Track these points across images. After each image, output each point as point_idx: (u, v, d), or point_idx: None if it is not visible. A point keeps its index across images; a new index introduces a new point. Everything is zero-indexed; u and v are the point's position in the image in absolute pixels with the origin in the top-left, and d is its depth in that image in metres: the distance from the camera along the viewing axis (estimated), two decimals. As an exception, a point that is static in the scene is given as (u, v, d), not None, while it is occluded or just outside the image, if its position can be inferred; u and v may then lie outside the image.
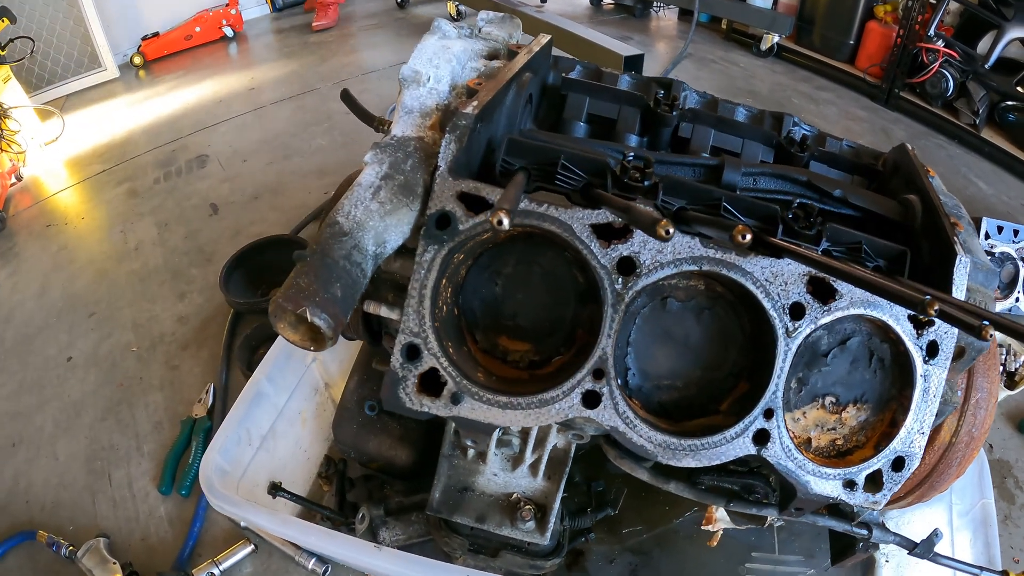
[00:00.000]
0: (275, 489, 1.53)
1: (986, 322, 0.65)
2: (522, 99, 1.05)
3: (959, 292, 0.96)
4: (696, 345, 0.97)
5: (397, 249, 0.97)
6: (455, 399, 0.89)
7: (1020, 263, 2.69)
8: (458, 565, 1.27)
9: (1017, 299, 2.66)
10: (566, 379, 0.87)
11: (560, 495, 1.26)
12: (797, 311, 0.91)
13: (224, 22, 4.76)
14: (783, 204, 1.00)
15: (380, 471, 1.58)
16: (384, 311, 0.96)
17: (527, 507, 1.26)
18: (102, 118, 3.90)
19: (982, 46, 3.69)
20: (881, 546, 1.78)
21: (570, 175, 0.94)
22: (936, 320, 0.93)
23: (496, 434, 1.22)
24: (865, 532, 1.21)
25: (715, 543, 1.42)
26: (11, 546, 1.74)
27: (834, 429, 1.05)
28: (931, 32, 3.72)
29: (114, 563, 1.63)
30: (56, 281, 2.71)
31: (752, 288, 0.87)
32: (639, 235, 0.84)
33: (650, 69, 4.24)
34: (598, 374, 0.86)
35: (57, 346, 2.41)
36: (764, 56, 4.41)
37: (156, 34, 4.52)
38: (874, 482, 1.03)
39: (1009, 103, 3.61)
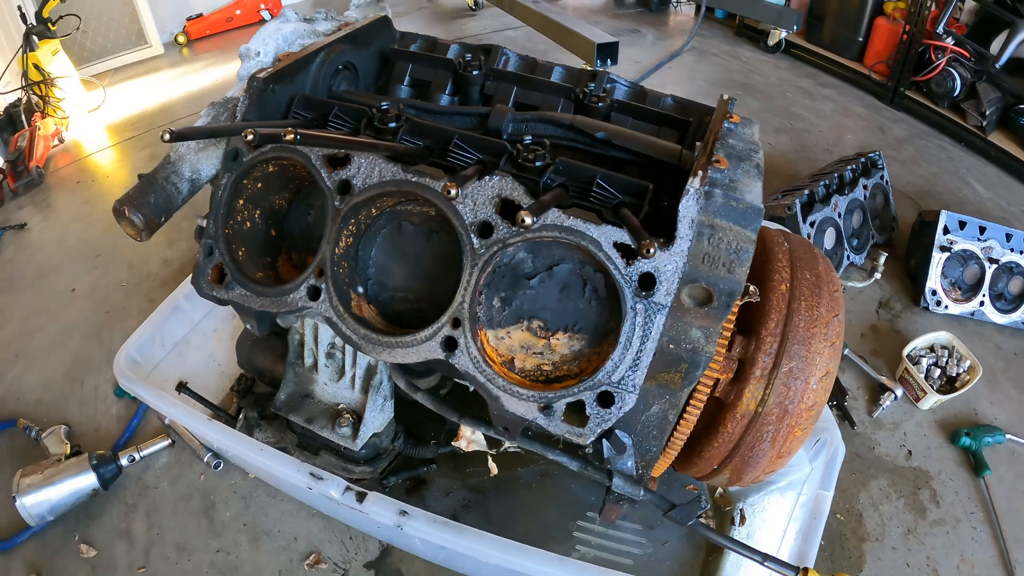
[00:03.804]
0: (181, 387, 1.88)
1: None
2: (331, 66, 1.33)
3: (684, 224, 0.98)
4: (426, 263, 1.18)
5: (219, 176, 1.29)
6: (228, 287, 1.19)
7: (987, 264, 2.54)
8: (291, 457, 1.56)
9: (981, 303, 2.55)
10: (299, 276, 1.15)
11: (374, 408, 1.51)
12: (485, 230, 1.01)
13: (263, 6, 5.28)
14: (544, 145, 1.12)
15: (270, 385, 1.90)
16: (205, 223, 1.28)
17: (346, 415, 1.53)
18: (142, 91, 4.47)
19: (995, 46, 3.62)
20: (737, 523, 1.78)
21: (340, 122, 1.22)
22: (653, 251, 0.89)
23: (324, 347, 1.52)
24: (604, 479, 1.17)
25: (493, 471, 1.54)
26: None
27: (541, 354, 1.09)
28: (940, 29, 3.67)
29: (66, 443, 2.04)
30: (75, 229, 3.22)
31: (442, 206, 1.05)
32: (355, 163, 1.10)
33: (653, 61, 4.40)
34: (320, 273, 1.12)
35: (65, 281, 2.89)
36: (772, 52, 4.48)
37: (200, 15, 5.10)
38: (578, 413, 1.02)
39: (1022, 106, 3.52)
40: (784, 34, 4.40)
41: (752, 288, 1.16)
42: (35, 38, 3.72)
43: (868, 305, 2.57)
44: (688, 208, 0.98)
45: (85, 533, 1.86)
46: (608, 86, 1.46)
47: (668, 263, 0.98)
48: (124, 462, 1.96)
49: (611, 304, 1.08)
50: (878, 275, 1.72)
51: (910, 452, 2.12)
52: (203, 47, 5.11)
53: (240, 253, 1.23)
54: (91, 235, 3.17)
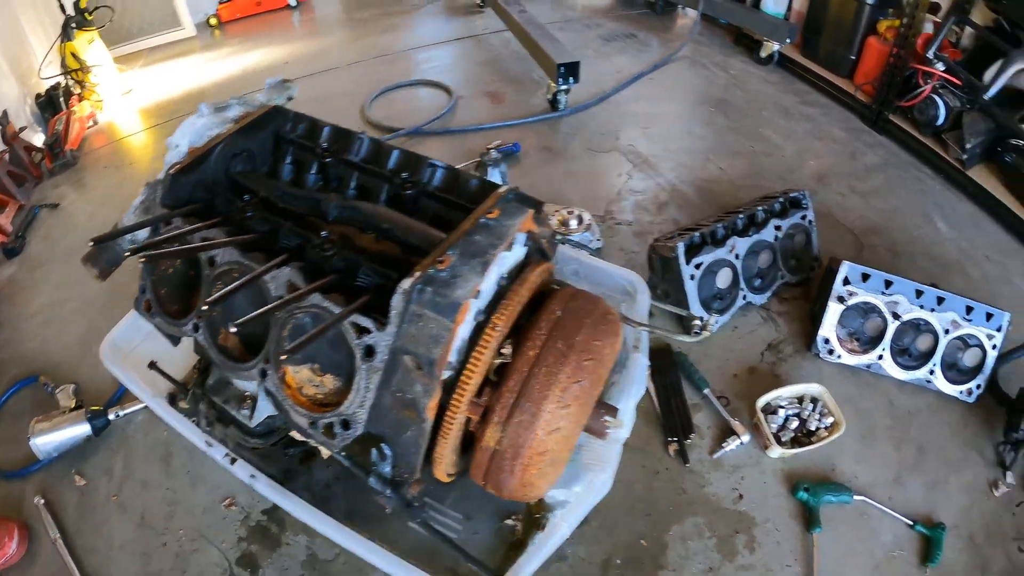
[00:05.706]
0: (152, 366, 2.60)
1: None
2: (227, 154, 1.96)
3: (394, 314, 1.41)
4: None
5: (144, 235, 1.95)
6: (153, 316, 1.88)
7: (890, 318, 2.63)
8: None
9: (880, 356, 2.65)
10: (189, 316, 1.81)
11: (264, 398, 2.16)
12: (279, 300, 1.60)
13: (288, -10, 5.96)
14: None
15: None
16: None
17: (248, 400, 2.19)
18: (174, 73, 5.25)
19: (989, 75, 3.63)
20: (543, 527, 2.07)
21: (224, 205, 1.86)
22: (374, 330, 1.41)
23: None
24: (364, 476, 1.63)
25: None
26: (25, 384, 3.00)
27: (318, 386, 1.58)
28: (930, 53, 3.74)
29: (73, 399, 2.83)
30: (103, 210, 3.98)
31: (259, 284, 1.62)
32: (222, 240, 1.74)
33: (634, 72, 4.73)
34: (199, 315, 1.78)
35: (90, 257, 3.69)
36: (764, 64, 4.71)
37: (231, -2, 5.83)
38: (330, 431, 1.48)
39: (1010, 141, 3.55)
40: (776, 47, 4.58)
41: (506, 350, 1.66)
42: (73, 28, 4.49)
43: (756, 345, 2.76)
44: (397, 302, 1.40)
45: (79, 468, 2.63)
46: (427, 170, 1.93)
47: (382, 340, 1.44)
48: (112, 417, 2.72)
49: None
50: (706, 333, 2.05)
51: (741, 496, 2.21)
52: (234, 30, 5.86)
53: (162, 292, 1.91)
54: (116, 217, 3.80)
